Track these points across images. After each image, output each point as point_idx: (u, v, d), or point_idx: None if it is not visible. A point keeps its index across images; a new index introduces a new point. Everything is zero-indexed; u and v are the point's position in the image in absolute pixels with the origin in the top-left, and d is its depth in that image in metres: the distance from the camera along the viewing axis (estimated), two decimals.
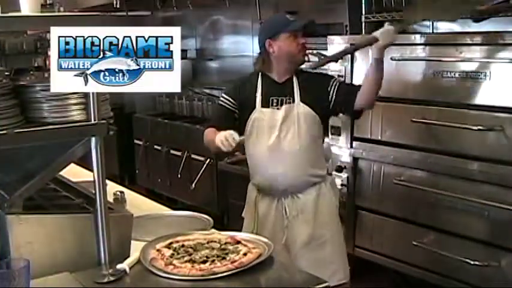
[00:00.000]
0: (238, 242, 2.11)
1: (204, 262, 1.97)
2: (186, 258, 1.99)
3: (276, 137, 2.82)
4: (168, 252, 2.04)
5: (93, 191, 2.01)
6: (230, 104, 2.91)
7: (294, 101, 2.83)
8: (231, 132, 2.69)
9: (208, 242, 2.12)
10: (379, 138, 3.52)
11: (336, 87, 2.85)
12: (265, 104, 2.86)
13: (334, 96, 2.84)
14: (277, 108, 2.83)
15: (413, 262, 3.42)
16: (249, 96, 2.87)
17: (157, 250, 2.07)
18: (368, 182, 3.63)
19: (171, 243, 2.12)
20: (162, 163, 5.72)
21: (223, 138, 2.67)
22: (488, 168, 2.99)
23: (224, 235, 2.19)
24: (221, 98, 2.97)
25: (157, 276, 1.93)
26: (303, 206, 2.85)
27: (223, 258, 1.99)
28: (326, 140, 3.11)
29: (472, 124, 3.02)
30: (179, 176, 5.42)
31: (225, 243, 2.11)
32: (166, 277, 1.91)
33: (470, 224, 3.11)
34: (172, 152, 5.56)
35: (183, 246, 2.09)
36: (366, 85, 2.83)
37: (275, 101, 2.85)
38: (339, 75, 3.68)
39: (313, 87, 2.87)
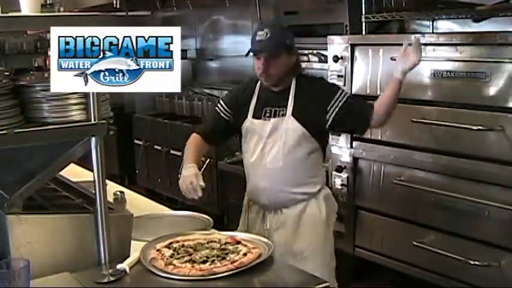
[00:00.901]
0: (238, 242, 2.11)
1: (204, 262, 1.97)
2: (186, 258, 2.00)
3: (260, 151, 2.69)
4: (168, 252, 2.05)
5: (93, 191, 2.01)
6: (226, 112, 2.81)
7: (284, 115, 2.66)
8: (196, 174, 2.56)
9: (208, 242, 2.13)
10: (379, 138, 3.52)
11: (338, 107, 2.63)
12: (258, 113, 2.72)
13: (331, 118, 2.64)
14: (268, 120, 2.68)
15: (413, 262, 3.41)
16: (245, 103, 2.76)
17: (158, 250, 2.07)
18: (368, 182, 3.63)
19: (171, 243, 2.13)
20: (162, 163, 5.72)
21: (188, 183, 2.54)
22: (488, 168, 2.99)
23: (224, 235, 2.19)
24: (218, 104, 2.87)
25: (157, 276, 1.93)
26: (284, 220, 2.72)
27: (223, 258, 1.99)
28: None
29: (472, 124, 3.02)
30: (179, 176, 5.41)
31: (225, 243, 2.11)
32: (166, 277, 1.92)
33: (470, 224, 3.11)
34: (172, 152, 5.56)
35: (183, 246, 2.10)
36: (386, 98, 2.69)
37: (268, 111, 2.70)
38: (338, 75, 3.69)
39: (311, 101, 2.66)
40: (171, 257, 2.02)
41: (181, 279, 1.90)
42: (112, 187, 2.85)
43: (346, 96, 2.67)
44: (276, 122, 2.66)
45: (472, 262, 3.05)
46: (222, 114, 2.82)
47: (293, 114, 2.63)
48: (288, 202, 2.70)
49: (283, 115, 2.65)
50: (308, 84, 2.70)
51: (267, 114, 2.69)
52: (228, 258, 1.98)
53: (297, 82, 2.69)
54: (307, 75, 2.81)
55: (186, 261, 1.98)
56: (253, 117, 2.73)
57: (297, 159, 2.66)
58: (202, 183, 2.53)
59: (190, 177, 2.56)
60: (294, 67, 2.69)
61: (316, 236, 2.72)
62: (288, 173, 2.65)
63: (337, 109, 2.63)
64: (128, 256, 2.06)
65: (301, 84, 2.68)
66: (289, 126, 2.63)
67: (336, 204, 2.91)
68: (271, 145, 2.66)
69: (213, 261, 1.97)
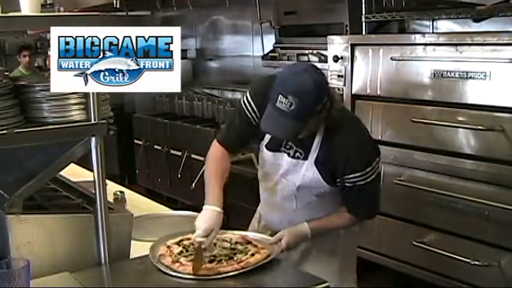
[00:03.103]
0: (249, 242, 2.11)
1: (211, 261, 1.97)
2: (193, 257, 1.99)
3: (272, 187, 2.35)
4: (177, 249, 2.05)
5: (93, 191, 2.01)
6: (254, 115, 2.28)
7: (306, 158, 2.23)
8: (216, 228, 2.09)
9: (219, 241, 2.12)
10: (379, 138, 3.52)
11: (352, 184, 2.18)
12: (275, 142, 2.27)
13: (340, 186, 2.23)
14: (287, 156, 2.26)
15: (413, 262, 3.42)
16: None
17: (168, 247, 2.08)
18: None
19: (181, 240, 2.13)
20: (162, 163, 5.72)
21: (202, 234, 2.07)
22: (489, 168, 2.99)
23: (236, 234, 2.19)
24: (246, 103, 2.30)
25: (162, 273, 1.93)
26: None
27: (231, 258, 2.00)
28: None
29: (472, 124, 3.02)
30: (179, 176, 5.42)
31: (236, 243, 2.10)
32: (171, 274, 1.92)
33: (470, 224, 3.11)
34: (172, 152, 5.56)
35: (193, 244, 2.09)
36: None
37: (289, 145, 2.26)
38: (338, 76, 3.69)
39: (335, 158, 2.18)
40: (179, 254, 2.02)
41: (185, 277, 1.90)
42: (112, 187, 2.85)
43: (369, 179, 2.18)
44: (294, 164, 2.25)
45: (472, 262, 3.05)
46: (249, 117, 2.30)
47: (315, 163, 2.21)
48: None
49: (304, 158, 2.23)
50: (339, 138, 2.18)
51: (287, 147, 2.27)
52: (235, 258, 1.99)
53: (327, 130, 2.19)
54: (341, 123, 2.19)
55: (192, 260, 1.98)
56: (268, 147, 2.32)
57: (309, 201, 2.31)
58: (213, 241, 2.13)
59: (199, 232, 2.08)
60: (325, 119, 2.16)
61: (325, 274, 2.15)
62: (299, 215, 2.30)
63: (350, 185, 2.19)
64: (128, 256, 2.07)
65: (331, 134, 2.19)
66: (308, 173, 2.23)
67: (357, 242, 2.58)
68: (283, 185, 2.31)
69: (219, 260, 1.97)
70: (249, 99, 2.29)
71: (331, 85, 3.71)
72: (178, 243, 2.10)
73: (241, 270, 1.92)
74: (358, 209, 2.27)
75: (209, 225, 2.06)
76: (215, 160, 2.33)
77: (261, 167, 2.40)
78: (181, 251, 2.04)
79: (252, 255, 2.01)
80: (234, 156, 4.63)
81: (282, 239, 2.15)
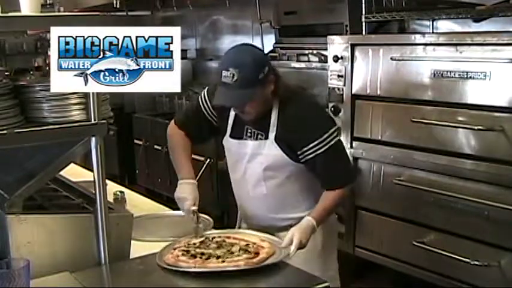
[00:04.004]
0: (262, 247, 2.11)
1: (208, 258, 1.98)
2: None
3: (241, 176, 2.43)
4: (180, 252, 2.05)
5: (93, 191, 2.01)
6: (211, 114, 2.48)
7: (267, 138, 2.33)
8: (195, 198, 2.33)
9: (227, 244, 2.12)
10: (379, 138, 3.52)
11: (314, 154, 2.27)
12: (237, 132, 2.41)
13: (303, 160, 2.30)
14: (249, 140, 2.38)
15: (413, 262, 3.41)
16: (225, 111, 2.41)
17: (171, 252, 2.07)
18: (368, 182, 3.63)
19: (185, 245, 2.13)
20: (162, 163, 5.72)
21: (186, 207, 2.32)
22: (488, 168, 2.98)
23: (255, 237, 2.19)
24: (203, 100, 2.48)
25: (163, 273, 1.95)
26: None
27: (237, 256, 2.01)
28: None
29: (472, 124, 3.02)
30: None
31: (246, 245, 2.10)
32: (175, 270, 1.93)
33: (470, 224, 3.11)
34: None
35: (194, 244, 2.11)
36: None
37: (249, 131, 2.39)
38: (338, 76, 3.69)
39: (293, 132, 2.30)
40: (182, 255, 2.02)
41: (189, 271, 1.92)
42: (112, 187, 2.85)
43: (328, 145, 2.28)
44: (257, 146, 2.36)
45: (472, 262, 3.05)
46: (206, 114, 2.48)
47: (275, 140, 2.32)
48: (279, 229, 2.38)
49: (265, 138, 2.34)
50: (294, 113, 2.32)
51: (248, 134, 2.39)
52: (235, 259, 1.99)
53: (280, 106, 2.32)
54: (293, 99, 2.35)
55: (192, 256, 1.99)
56: (231, 136, 2.43)
57: (278, 184, 2.37)
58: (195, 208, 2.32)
59: (189, 202, 2.31)
60: (273, 93, 2.31)
61: (309, 267, 2.19)
62: (271, 200, 2.39)
63: (312, 156, 2.28)
64: (128, 256, 2.07)
65: (285, 111, 2.32)
66: (271, 152, 2.32)
67: (336, 229, 2.66)
68: (251, 171, 2.39)
69: (223, 261, 1.98)
70: (206, 97, 2.47)
71: (331, 85, 3.75)
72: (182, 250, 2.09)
73: (244, 267, 1.92)
74: (332, 179, 2.33)
75: (194, 195, 2.33)
76: (178, 139, 2.56)
77: (228, 159, 2.51)
78: (183, 253, 2.04)
79: (257, 253, 2.01)
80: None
81: (293, 240, 2.15)
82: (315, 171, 2.33)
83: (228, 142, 2.46)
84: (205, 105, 2.47)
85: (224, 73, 2.20)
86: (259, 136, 2.36)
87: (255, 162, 2.37)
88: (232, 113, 2.40)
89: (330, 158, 2.29)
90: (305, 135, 2.28)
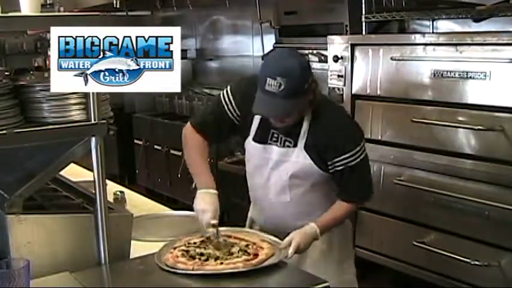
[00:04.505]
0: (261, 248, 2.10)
1: (206, 260, 1.98)
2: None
3: (264, 183, 2.34)
4: (179, 253, 2.04)
5: (93, 191, 2.01)
6: (234, 113, 2.34)
7: (295, 146, 2.26)
8: (216, 210, 2.19)
9: (228, 245, 2.11)
10: (379, 138, 3.52)
11: (342, 166, 2.22)
12: (261, 135, 2.31)
13: (332, 171, 2.26)
14: (276, 146, 2.29)
15: (414, 262, 3.41)
16: (250, 112, 2.23)
17: (171, 252, 2.06)
18: None
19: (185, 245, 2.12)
20: (162, 163, 5.72)
21: (205, 220, 2.18)
22: (489, 168, 2.99)
23: (254, 237, 2.18)
24: (225, 97, 2.35)
25: (164, 273, 1.95)
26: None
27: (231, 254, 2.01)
28: None
29: (472, 124, 3.02)
30: (179, 176, 5.41)
31: (246, 245, 2.10)
32: (174, 272, 1.93)
33: (470, 224, 3.11)
34: (172, 152, 5.56)
35: (195, 243, 2.10)
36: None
37: (276, 136, 2.29)
38: (338, 76, 3.68)
39: (324, 141, 2.23)
40: (182, 256, 2.02)
41: (185, 273, 1.91)
42: (112, 187, 2.85)
43: (359, 159, 2.25)
44: (284, 153, 2.27)
45: (472, 262, 3.05)
46: (228, 112, 2.34)
47: (305, 148, 2.24)
48: None
49: (294, 145, 2.26)
50: (327, 123, 2.25)
51: (274, 139, 2.29)
52: (234, 261, 1.98)
53: (313, 114, 2.24)
54: (326, 108, 2.29)
55: (191, 257, 1.98)
56: (255, 140, 2.33)
57: (303, 192, 2.32)
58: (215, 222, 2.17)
59: (209, 215, 2.17)
60: (310, 101, 2.22)
61: (323, 269, 2.25)
62: (293, 207, 2.32)
63: (341, 167, 2.23)
64: (128, 256, 2.07)
65: (318, 119, 2.24)
66: (299, 160, 2.25)
67: (352, 235, 2.60)
68: (276, 177, 2.31)
69: (221, 263, 1.97)
70: (230, 96, 2.34)
71: (331, 85, 3.75)
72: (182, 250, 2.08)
73: (242, 269, 1.92)
74: (353, 192, 2.30)
75: (215, 207, 2.17)
76: (195, 145, 2.37)
77: (249, 162, 2.41)
78: (183, 253, 2.04)
79: (256, 255, 2.01)
80: (233, 158, 4.65)
81: (291, 243, 2.12)
82: (338, 181, 2.28)
83: (251, 145, 2.35)
84: (228, 103, 2.34)
85: (269, 81, 2.07)
86: (287, 143, 2.27)
87: (280, 169, 2.29)
88: (258, 116, 2.29)
89: (358, 171, 2.26)
90: (338, 146, 2.21)
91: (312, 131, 2.24)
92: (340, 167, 2.22)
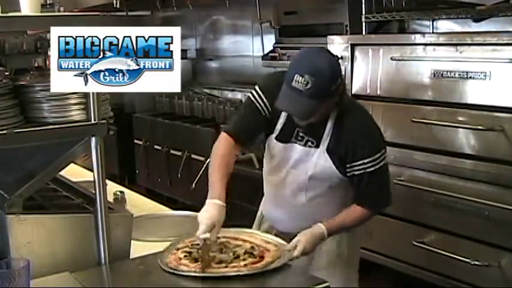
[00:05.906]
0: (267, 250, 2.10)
1: (220, 262, 1.97)
2: (200, 254, 1.99)
3: (281, 180, 2.33)
4: (181, 254, 2.04)
5: (93, 191, 2.01)
6: (264, 107, 2.29)
7: (317, 146, 2.24)
8: (219, 221, 2.07)
9: (231, 246, 2.10)
10: None
11: (362, 171, 2.20)
12: (285, 134, 2.28)
13: (350, 174, 2.23)
14: (298, 145, 2.27)
15: (413, 262, 3.42)
16: (277, 109, 2.22)
17: (174, 253, 2.06)
18: None
19: (187, 246, 2.11)
20: (162, 163, 5.72)
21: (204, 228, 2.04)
22: (489, 168, 2.99)
23: (258, 239, 2.16)
24: (255, 94, 2.30)
25: (164, 273, 1.94)
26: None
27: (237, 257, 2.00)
28: None
29: (472, 124, 3.02)
30: (179, 176, 5.41)
31: (251, 247, 2.09)
32: (175, 274, 1.93)
33: (470, 224, 3.11)
34: (172, 152, 5.56)
35: (197, 245, 2.07)
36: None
37: (301, 135, 2.26)
38: None
39: (345, 144, 2.20)
40: (184, 257, 2.01)
41: (188, 275, 1.90)
42: (112, 187, 2.85)
43: (378, 165, 2.21)
44: (306, 153, 2.26)
45: (472, 262, 3.05)
46: (261, 109, 2.30)
47: (327, 150, 2.23)
48: None
49: (316, 146, 2.24)
50: (351, 126, 2.21)
51: (299, 138, 2.27)
52: (242, 263, 1.98)
53: (338, 116, 2.22)
54: (351, 111, 2.25)
55: (199, 258, 1.97)
56: (278, 139, 2.30)
57: (319, 194, 2.31)
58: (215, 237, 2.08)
59: (202, 228, 2.04)
60: (336, 103, 2.20)
61: (330, 275, 2.22)
62: (308, 209, 2.30)
63: (360, 172, 2.21)
64: (128, 256, 2.07)
65: (342, 122, 2.21)
66: (320, 161, 2.23)
67: (360, 240, 2.56)
68: (294, 177, 2.29)
69: (225, 266, 1.97)
70: (259, 93, 2.30)
71: None
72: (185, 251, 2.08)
73: (246, 272, 1.91)
74: (368, 199, 2.26)
75: (212, 220, 2.04)
76: (221, 154, 2.27)
77: (270, 161, 2.38)
78: (186, 255, 2.03)
79: (261, 257, 2.00)
80: (240, 154, 4.63)
81: (298, 245, 2.11)
82: (355, 187, 2.26)
83: (273, 142, 2.32)
84: (259, 100, 2.29)
85: (297, 77, 2.04)
86: (309, 143, 2.25)
87: (300, 169, 2.27)
88: (285, 113, 2.26)
89: (376, 178, 2.23)
90: (359, 150, 2.19)
91: (335, 133, 2.21)
92: (358, 172, 2.20)
